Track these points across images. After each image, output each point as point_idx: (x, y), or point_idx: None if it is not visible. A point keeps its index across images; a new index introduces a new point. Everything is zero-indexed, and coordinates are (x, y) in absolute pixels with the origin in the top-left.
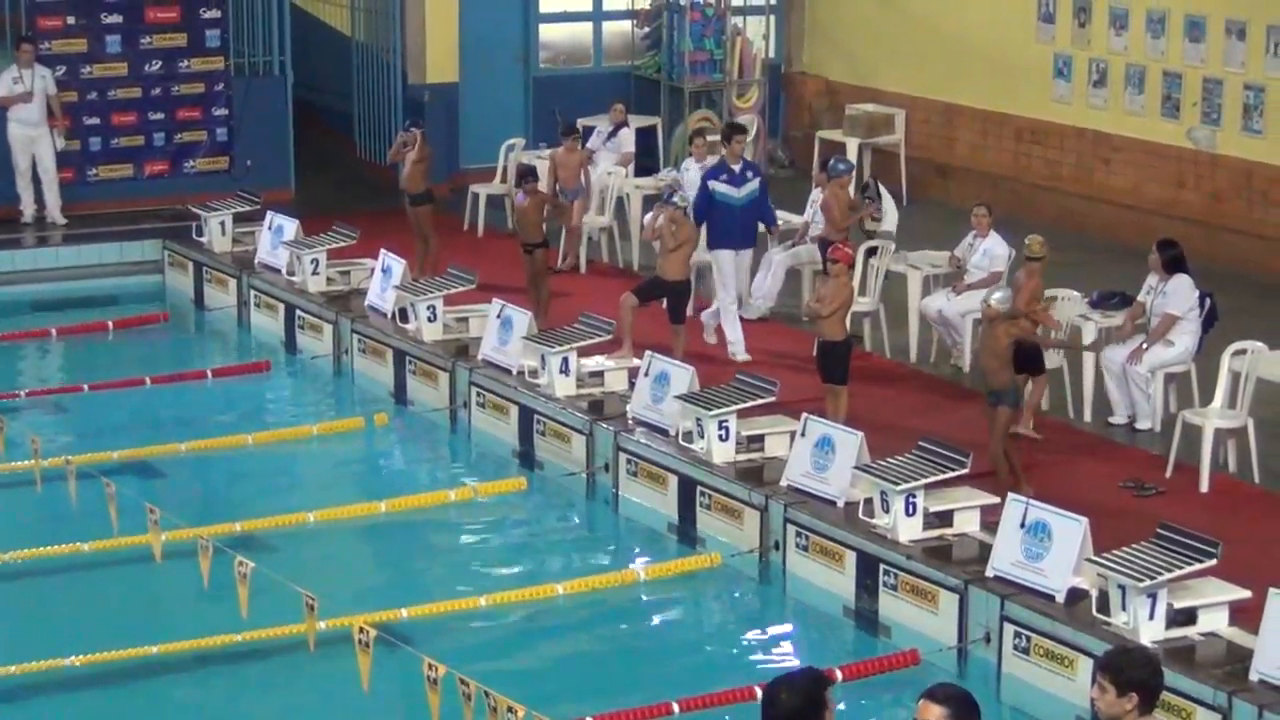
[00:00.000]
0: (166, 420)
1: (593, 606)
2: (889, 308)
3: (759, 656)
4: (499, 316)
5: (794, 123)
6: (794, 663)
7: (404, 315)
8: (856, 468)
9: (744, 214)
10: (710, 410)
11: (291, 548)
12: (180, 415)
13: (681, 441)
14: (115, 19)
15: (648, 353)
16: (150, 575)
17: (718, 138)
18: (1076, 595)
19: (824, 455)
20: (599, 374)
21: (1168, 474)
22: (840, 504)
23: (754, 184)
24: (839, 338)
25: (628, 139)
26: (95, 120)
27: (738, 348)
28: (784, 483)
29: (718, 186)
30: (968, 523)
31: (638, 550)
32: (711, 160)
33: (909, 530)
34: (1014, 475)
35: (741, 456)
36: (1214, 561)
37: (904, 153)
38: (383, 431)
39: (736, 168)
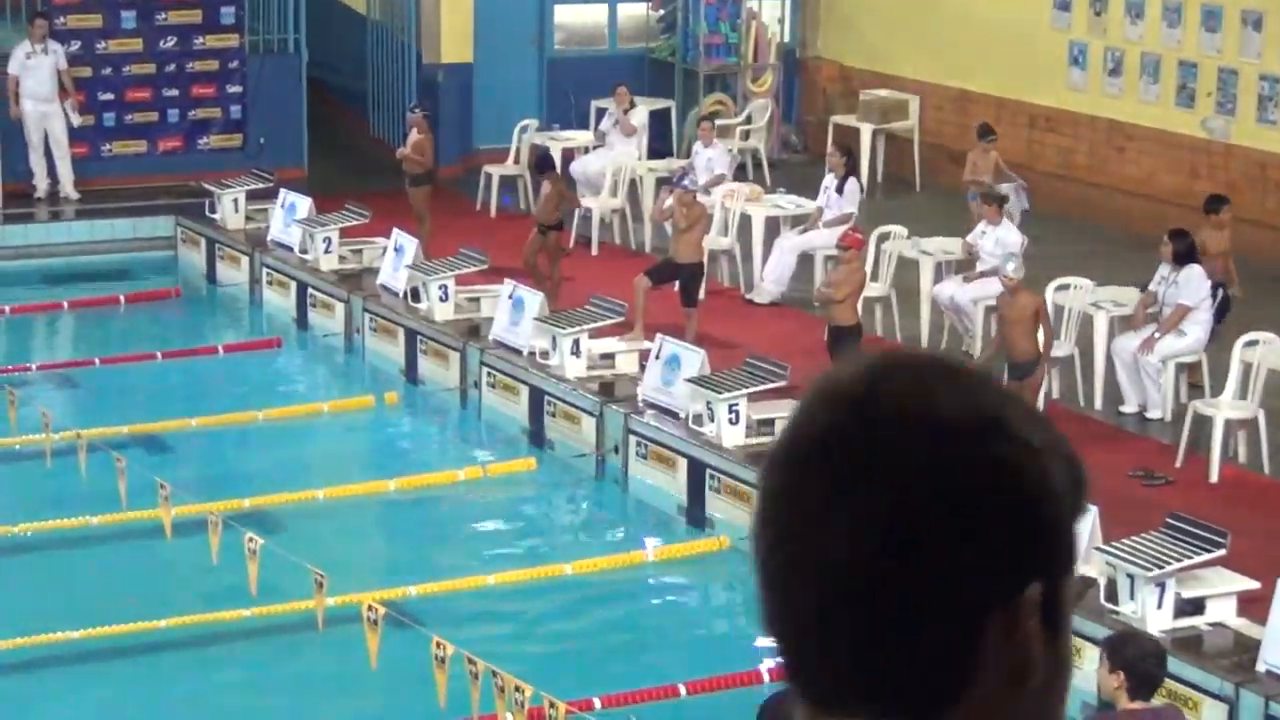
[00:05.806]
0: (177, 395)
1: (601, 587)
2: (900, 294)
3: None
4: (510, 297)
5: (808, 107)
6: None
7: (416, 295)
8: None
9: None
10: (721, 394)
11: (301, 525)
12: (191, 391)
13: (692, 424)
14: None
15: (659, 335)
16: (159, 550)
17: (727, 121)
18: (1085, 584)
19: None
20: (610, 356)
21: (1178, 464)
22: None
23: None
24: (850, 323)
25: (639, 115)
26: (109, 96)
27: None
28: None
29: None
30: None
31: (647, 532)
32: (720, 145)
33: None
34: None
35: (752, 440)
36: (1223, 552)
37: (918, 139)
38: (393, 410)
39: None
